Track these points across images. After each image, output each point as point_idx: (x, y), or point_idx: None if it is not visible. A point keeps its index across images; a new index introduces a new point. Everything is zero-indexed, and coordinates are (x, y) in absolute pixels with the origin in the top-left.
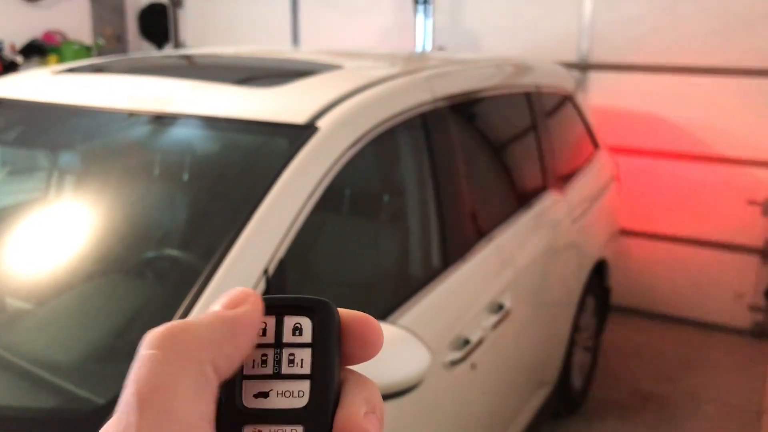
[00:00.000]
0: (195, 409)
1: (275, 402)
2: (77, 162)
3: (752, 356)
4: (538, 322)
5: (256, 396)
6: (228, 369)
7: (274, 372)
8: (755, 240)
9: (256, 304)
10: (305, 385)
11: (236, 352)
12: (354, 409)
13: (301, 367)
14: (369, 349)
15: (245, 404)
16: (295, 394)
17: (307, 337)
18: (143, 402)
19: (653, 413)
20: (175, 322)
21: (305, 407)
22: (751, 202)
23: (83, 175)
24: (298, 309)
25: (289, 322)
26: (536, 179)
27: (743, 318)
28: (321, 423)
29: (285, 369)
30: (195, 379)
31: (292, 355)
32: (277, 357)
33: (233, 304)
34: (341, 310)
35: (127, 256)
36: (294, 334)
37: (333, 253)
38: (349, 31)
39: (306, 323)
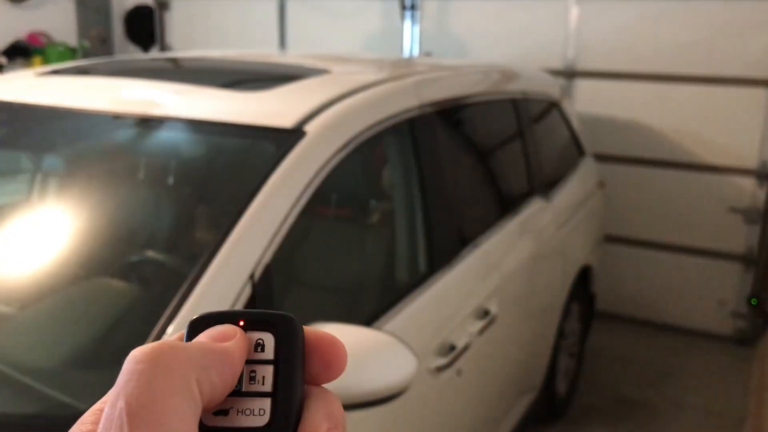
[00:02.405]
0: (185, 427)
1: (235, 420)
2: (61, 165)
3: (734, 363)
4: (524, 328)
5: (216, 414)
6: (209, 396)
7: (234, 389)
8: (737, 247)
9: (243, 341)
10: (266, 404)
11: (220, 382)
12: (316, 425)
13: (263, 384)
14: (332, 371)
15: (204, 422)
16: (255, 413)
17: (269, 353)
18: (135, 417)
19: (636, 419)
20: (163, 341)
21: (266, 426)
22: (734, 210)
23: (67, 177)
24: (261, 324)
25: (252, 337)
26: (522, 185)
27: (726, 325)
28: None
29: (246, 386)
30: (184, 396)
31: (254, 371)
32: None
33: (221, 338)
34: (307, 329)
35: (112, 260)
36: (256, 350)
37: (320, 258)
38: (337, 36)
39: (269, 339)
